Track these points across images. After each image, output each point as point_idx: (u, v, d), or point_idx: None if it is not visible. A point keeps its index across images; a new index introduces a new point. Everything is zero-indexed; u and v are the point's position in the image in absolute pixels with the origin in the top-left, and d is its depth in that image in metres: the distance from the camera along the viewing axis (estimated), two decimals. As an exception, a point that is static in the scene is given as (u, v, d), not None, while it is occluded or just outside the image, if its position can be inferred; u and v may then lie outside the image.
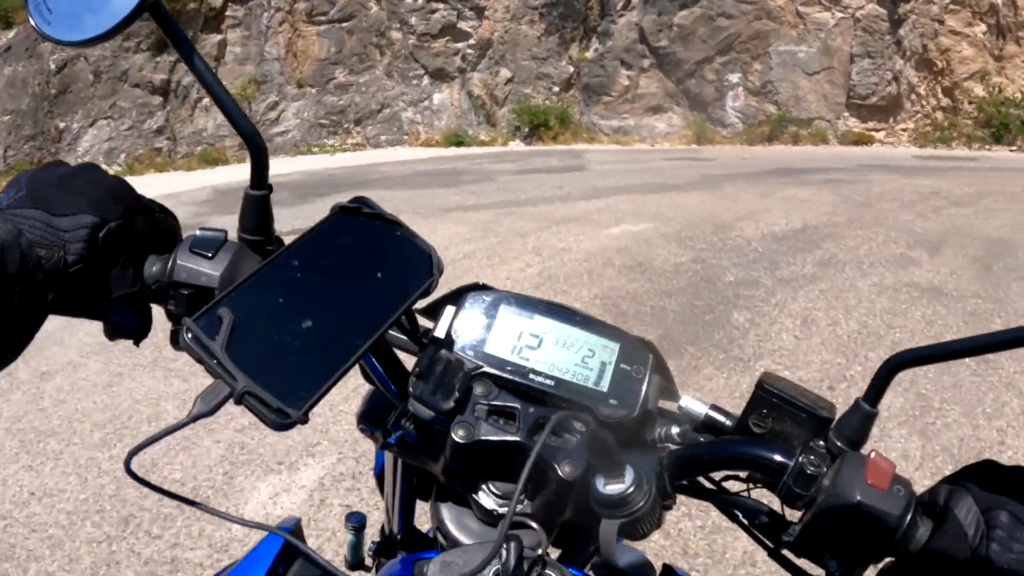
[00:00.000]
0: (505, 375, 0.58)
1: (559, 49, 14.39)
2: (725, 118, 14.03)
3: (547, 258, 5.46)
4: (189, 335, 0.43)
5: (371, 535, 0.85)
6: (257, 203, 0.56)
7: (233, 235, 0.57)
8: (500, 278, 4.89)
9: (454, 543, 0.56)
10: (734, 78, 13.95)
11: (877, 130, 13.56)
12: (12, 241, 0.44)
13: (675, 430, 0.61)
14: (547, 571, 0.48)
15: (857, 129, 13.57)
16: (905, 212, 6.95)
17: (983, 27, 12.85)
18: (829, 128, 13.67)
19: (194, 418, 0.42)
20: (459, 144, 13.93)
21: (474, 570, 0.46)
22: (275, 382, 0.43)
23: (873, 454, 0.51)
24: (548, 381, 0.58)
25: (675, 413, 0.63)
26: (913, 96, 13.31)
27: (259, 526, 0.50)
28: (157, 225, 0.55)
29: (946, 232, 6.14)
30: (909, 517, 0.48)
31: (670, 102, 14.29)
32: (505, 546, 0.47)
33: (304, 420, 0.43)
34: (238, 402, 0.42)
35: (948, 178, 8.97)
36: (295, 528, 0.70)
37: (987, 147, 12.50)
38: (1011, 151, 12.21)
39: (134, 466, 0.44)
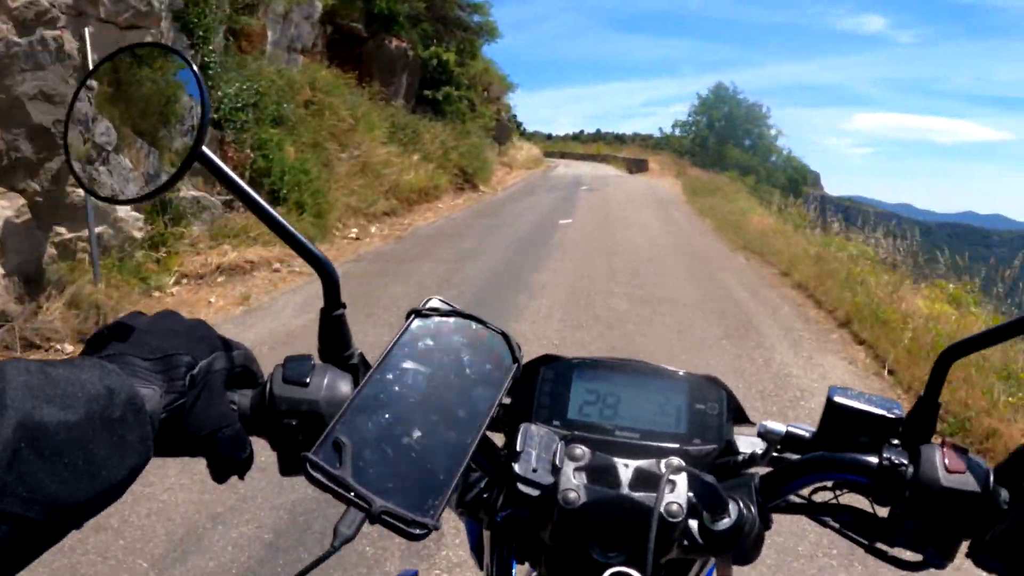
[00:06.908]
0: (594, 436, 0.61)
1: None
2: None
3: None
4: (314, 470, 0.44)
5: None
6: (335, 323, 0.58)
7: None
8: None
9: None
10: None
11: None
12: (120, 384, 0.44)
13: (759, 452, 0.64)
14: None
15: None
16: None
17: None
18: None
19: (339, 546, 0.42)
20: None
21: None
22: (403, 496, 0.45)
23: (945, 442, 0.55)
24: (634, 434, 0.61)
25: (754, 438, 0.66)
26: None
27: None
28: (238, 360, 0.56)
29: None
30: (991, 490, 0.53)
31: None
32: None
33: (438, 527, 0.44)
34: (374, 522, 0.43)
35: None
36: None
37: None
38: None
39: None
